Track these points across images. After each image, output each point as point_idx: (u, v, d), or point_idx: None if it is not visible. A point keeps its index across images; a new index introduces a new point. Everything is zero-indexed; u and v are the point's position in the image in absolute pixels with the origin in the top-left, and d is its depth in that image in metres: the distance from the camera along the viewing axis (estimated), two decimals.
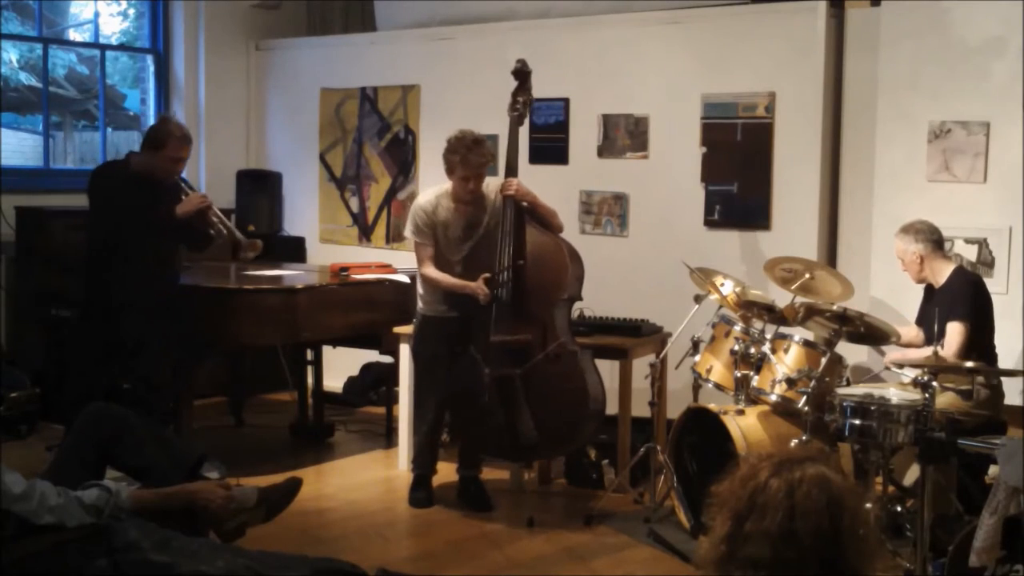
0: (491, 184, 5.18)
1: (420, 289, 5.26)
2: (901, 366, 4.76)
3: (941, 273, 4.89)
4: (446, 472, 5.40)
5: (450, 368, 5.12)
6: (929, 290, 4.98)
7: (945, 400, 4.57)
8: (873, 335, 4.87)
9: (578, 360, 5.02)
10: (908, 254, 4.92)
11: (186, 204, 5.22)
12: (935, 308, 4.61)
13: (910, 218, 5.37)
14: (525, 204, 5.07)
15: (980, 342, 4.75)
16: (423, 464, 5.31)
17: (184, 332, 5.40)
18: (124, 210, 5.14)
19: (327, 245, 7.75)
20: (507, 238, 5.00)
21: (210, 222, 5.32)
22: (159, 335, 5.26)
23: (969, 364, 4.29)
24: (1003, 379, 4.77)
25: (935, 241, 4.91)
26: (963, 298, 4.73)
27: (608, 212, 6.49)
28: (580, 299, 5.24)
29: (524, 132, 6.65)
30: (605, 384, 5.29)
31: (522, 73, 5.23)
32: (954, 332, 4.66)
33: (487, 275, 4.99)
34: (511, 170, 5.10)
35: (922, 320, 4.98)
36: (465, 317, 5.06)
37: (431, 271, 5.10)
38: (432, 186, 5.46)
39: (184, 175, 7.80)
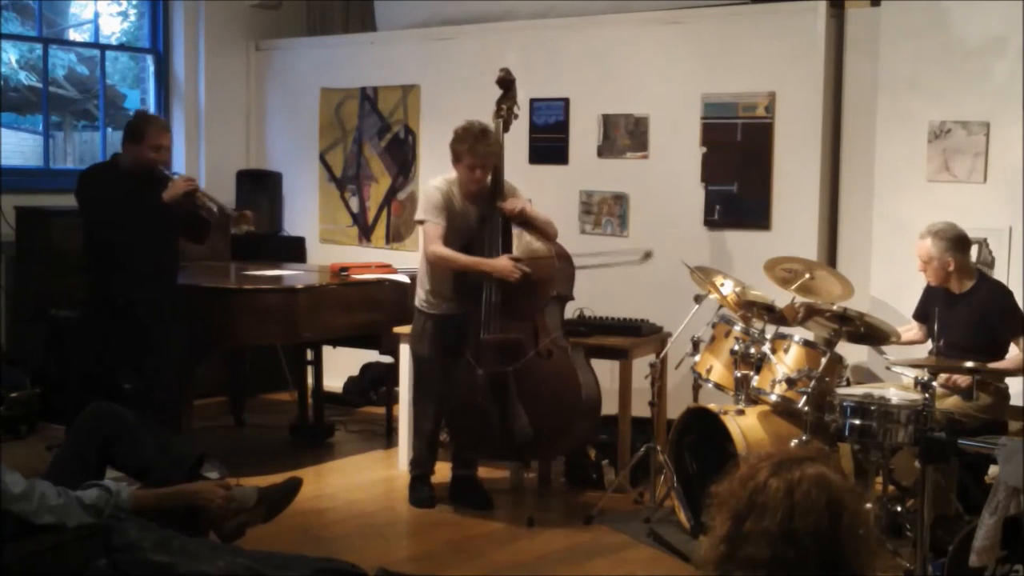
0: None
1: (425, 284, 5.19)
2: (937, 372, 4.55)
3: (966, 281, 4.81)
4: (446, 472, 5.39)
5: (449, 368, 5.11)
6: (944, 293, 4.85)
7: (951, 401, 4.59)
8: (873, 335, 4.86)
9: (570, 357, 5.02)
10: (939, 260, 4.77)
11: (172, 189, 5.16)
12: (963, 314, 4.65)
13: (910, 218, 5.36)
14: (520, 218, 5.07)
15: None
16: (422, 464, 5.31)
17: (186, 332, 5.39)
18: (120, 209, 5.14)
19: (327, 245, 7.75)
20: (495, 240, 5.01)
21: (200, 203, 5.30)
22: (167, 333, 5.27)
23: (969, 364, 4.29)
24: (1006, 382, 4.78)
25: (967, 249, 4.82)
26: (1015, 313, 4.72)
27: (608, 212, 6.49)
28: (571, 298, 5.23)
29: (524, 132, 6.70)
30: (605, 384, 5.30)
31: (506, 82, 5.22)
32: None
33: (512, 255, 4.98)
34: (497, 178, 5.07)
35: (924, 317, 4.95)
36: (467, 315, 5.05)
37: (444, 249, 5.00)
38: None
39: (182, 175, 7.81)
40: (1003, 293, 4.82)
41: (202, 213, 5.32)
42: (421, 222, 5.14)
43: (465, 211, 5.11)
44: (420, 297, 5.24)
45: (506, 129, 5.21)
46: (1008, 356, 4.70)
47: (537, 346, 4.96)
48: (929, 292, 4.98)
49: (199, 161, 7.89)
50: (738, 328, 4.99)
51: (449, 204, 5.07)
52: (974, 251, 5.13)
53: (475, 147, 4.97)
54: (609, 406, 5.41)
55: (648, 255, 5.57)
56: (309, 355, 6.65)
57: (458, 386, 5.08)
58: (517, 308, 5.00)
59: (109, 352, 5.30)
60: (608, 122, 6.48)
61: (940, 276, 4.82)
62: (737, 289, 5.15)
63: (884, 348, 5.29)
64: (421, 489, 5.26)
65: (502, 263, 4.94)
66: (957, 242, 4.78)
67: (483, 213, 5.09)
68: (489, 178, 5.06)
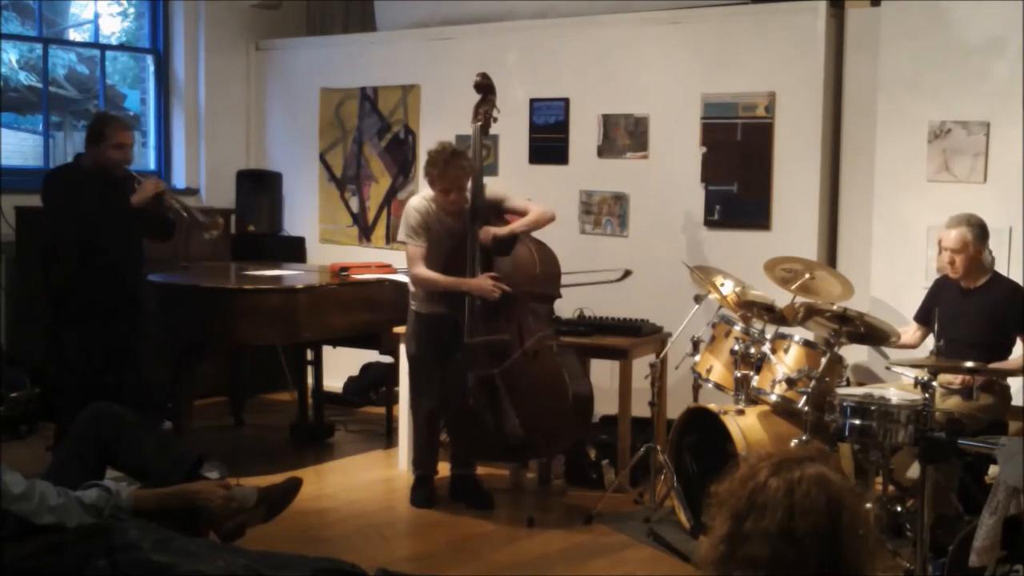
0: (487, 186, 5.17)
1: (413, 287, 5.23)
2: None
3: (980, 276, 4.83)
4: (446, 472, 5.39)
5: (442, 368, 5.11)
6: (957, 287, 4.85)
7: (952, 402, 4.59)
8: (873, 335, 4.86)
9: (556, 356, 5.02)
10: (973, 247, 4.75)
11: (141, 192, 5.25)
12: (974, 309, 4.66)
13: (910, 218, 5.37)
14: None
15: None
16: (424, 465, 5.31)
17: (174, 329, 5.45)
18: (88, 210, 5.20)
19: (327, 245, 7.75)
20: (475, 256, 5.01)
21: (168, 207, 5.35)
22: (142, 332, 5.36)
23: (969, 364, 4.29)
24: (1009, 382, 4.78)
25: (987, 240, 4.82)
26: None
27: (608, 212, 6.49)
28: (558, 296, 5.22)
29: (524, 132, 6.71)
30: (605, 384, 5.30)
31: (483, 86, 5.22)
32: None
33: (493, 273, 4.99)
34: (476, 196, 5.06)
35: (926, 318, 4.93)
36: (458, 315, 5.06)
37: (426, 272, 5.06)
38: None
39: (182, 174, 7.84)
40: (1017, 290, 4.83)
41: (169, 215, 5.38)
42: (403, 243, 5.18)
43: (447, 224, 5.12)
44: (411, 297, 5.25)
45: (485, 133, 5.23)
46: (1011, 357, 4.71)
47: (523, 347, 4.96)
48: (938, 288, 4.96)
49: (199, 161, 7.89)
50: (738, 328, 4.99)
51: (429, 222, 5.10)
52: None
53: (446, 171, 4.97)
54: (609, 406, 5.40)
55: (627, 274, 5.51)
56: (309, 355, 6.65)
57: (453, 389, 5.08)
58: (500, 311, 5.00)
59: (96, 351, 5.36)
60: (608, 122, 6.48)
61: (967, 266, 4.80)
62: (737, 289, 5.15)
63: (884, 349, 5.29)
64: (422, 489, 5.25)
65: (481, 283, 4.96)
66: (984, 231, 4.80)
67: (464, 227, 5.08)
68: (468, 196, 5.05)
